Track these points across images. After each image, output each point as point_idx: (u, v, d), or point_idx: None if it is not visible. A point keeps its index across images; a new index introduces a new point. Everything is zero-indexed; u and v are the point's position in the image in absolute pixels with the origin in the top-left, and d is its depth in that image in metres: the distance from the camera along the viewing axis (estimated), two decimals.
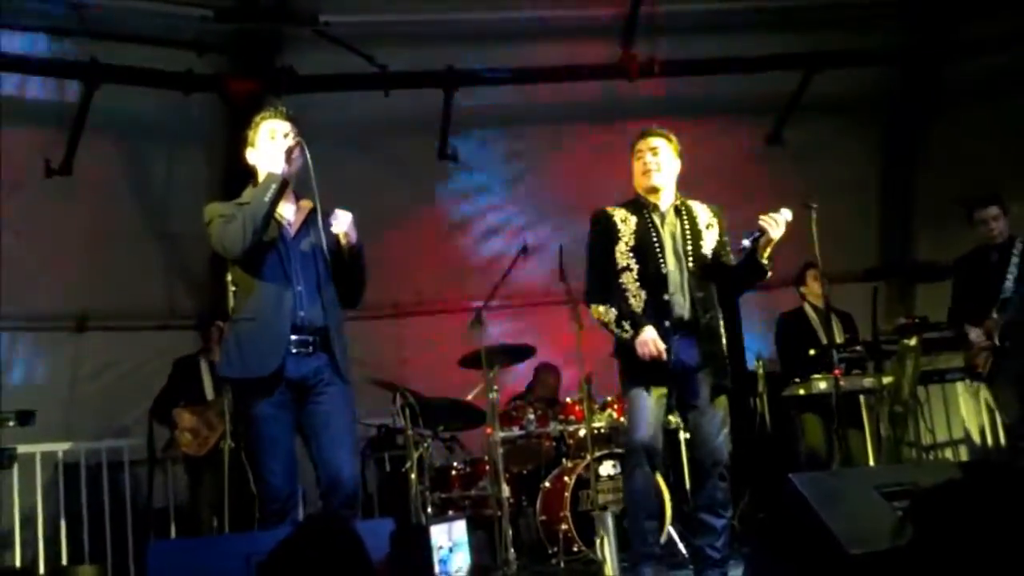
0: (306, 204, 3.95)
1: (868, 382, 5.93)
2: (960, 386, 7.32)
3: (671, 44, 7.70)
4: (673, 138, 4.49)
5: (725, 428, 4.27)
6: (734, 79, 7.76)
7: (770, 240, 4.19)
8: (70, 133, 6.82)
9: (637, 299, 4.27)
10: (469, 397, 6.38)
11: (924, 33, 7.86)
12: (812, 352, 5.95)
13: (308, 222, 3.94)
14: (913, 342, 5.68)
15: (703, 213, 4.44)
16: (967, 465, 5.94)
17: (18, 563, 6.29)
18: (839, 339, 6.26)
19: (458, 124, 7.58)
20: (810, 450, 6.31)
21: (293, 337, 3.78)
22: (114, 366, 7.31)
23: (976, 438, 7.56)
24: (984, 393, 7.47)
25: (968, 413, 7.54)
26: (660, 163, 4.40)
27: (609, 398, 6.29)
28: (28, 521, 6.51)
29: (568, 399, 6.38)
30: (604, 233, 4.36)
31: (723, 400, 4.28)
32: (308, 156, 3.85)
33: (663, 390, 4.23)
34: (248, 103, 6.86)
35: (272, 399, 3.77)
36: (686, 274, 4.27)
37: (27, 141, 6.85)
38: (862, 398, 6.05)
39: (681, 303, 4.25)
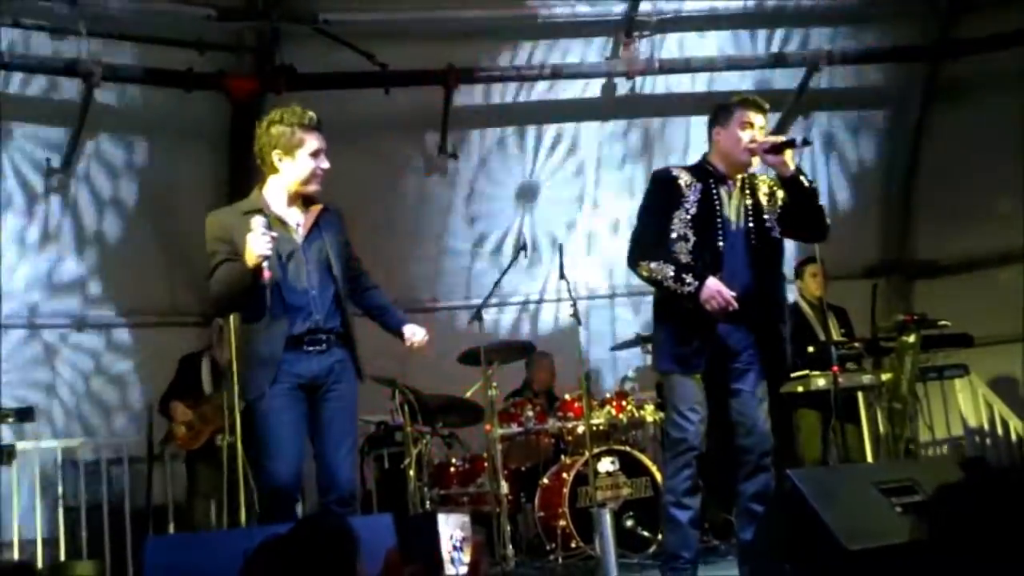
0: (315, 208, 3.92)
1: (867, 379, 5.93)
2: (959, 383, 7.31)
3: (671, 44, 7.71)
4: None
5: (767, 414, 4.06)
6: (734, 78, 7.76)
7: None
8: (71, 132, 6.84)
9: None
10: (468, 394, 6.39)
11: (925, 30, 7.87)
12: (810, 349, 5.95)
13: (319, 223, 3.91)
14: (912, 339, 5.67)
15: (763, 184, 4.12)
16: (970, 463, 5.95)
17: (16, 559, 6.29)
18: (835, 335, 6.27)
19: (458, 122, 7.60)
20: (806, 445, 6.31)
21: (308, 337, 3.80)
22: (114, 363, 7.32)
23: (975, 435, 7.56)
24: (983, 390, 7.49)
25: (967, 410, 7.54)
26: None
27: (608, 395, 6.29)
28: (27, 517, 6.53)
29: (567, 396, 6.39)
30: (667, 195, 4.02)
31: (764, 385, 4.07)
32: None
33: (698, 376, 3.98)
34: (249, 101, 6.89)
35: (280, 396, 3.77)
36: (744, 253, 3.99)
37: (28, 139, 6.87)
38: (860, 395, 6.06)
39: (732, 285, 3.90)
